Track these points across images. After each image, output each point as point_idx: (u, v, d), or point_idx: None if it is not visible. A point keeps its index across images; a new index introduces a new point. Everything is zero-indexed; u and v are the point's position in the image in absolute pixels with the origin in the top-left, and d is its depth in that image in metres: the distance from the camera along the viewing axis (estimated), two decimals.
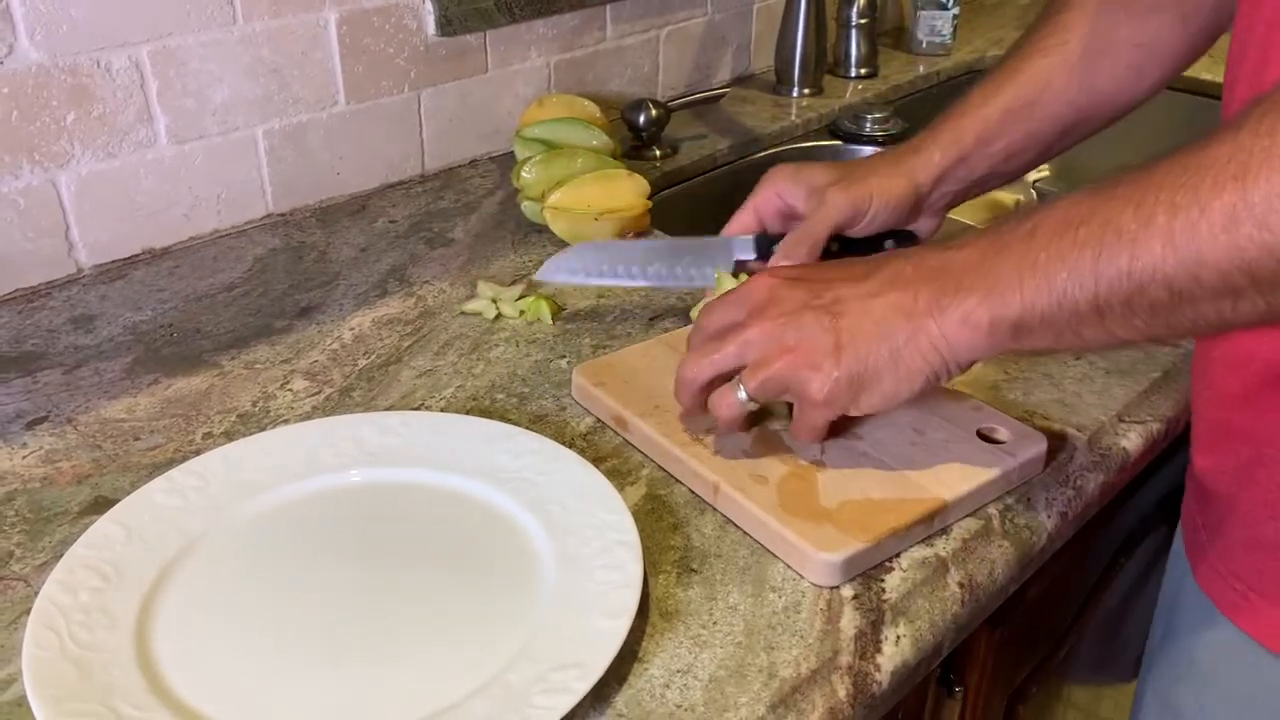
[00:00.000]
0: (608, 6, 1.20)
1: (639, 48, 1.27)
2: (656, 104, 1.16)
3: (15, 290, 0.88)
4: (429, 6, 1.04)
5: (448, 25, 1.05)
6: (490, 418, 0.70)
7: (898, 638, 0.56)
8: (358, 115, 1.04)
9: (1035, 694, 0.88)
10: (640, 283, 0.81)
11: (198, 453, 0.68)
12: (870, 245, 0.79)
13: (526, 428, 0.68)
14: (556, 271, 0.81)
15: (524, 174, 0.98)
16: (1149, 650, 0.72)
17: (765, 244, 0.79)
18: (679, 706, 0.51)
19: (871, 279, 0.57)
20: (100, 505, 0.64)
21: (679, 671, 0.53)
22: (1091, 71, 0.75)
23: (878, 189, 0.76)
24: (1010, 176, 0.81)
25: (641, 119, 1.15)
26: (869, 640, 0.56)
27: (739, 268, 0.80)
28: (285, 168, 1.01)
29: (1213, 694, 0.63)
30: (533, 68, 1.16)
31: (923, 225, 0.81)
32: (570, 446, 0.66)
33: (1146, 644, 0.73)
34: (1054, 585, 0.79)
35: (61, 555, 0.58)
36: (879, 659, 0.55)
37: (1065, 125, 0.77)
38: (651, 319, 0.85)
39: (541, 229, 0.99)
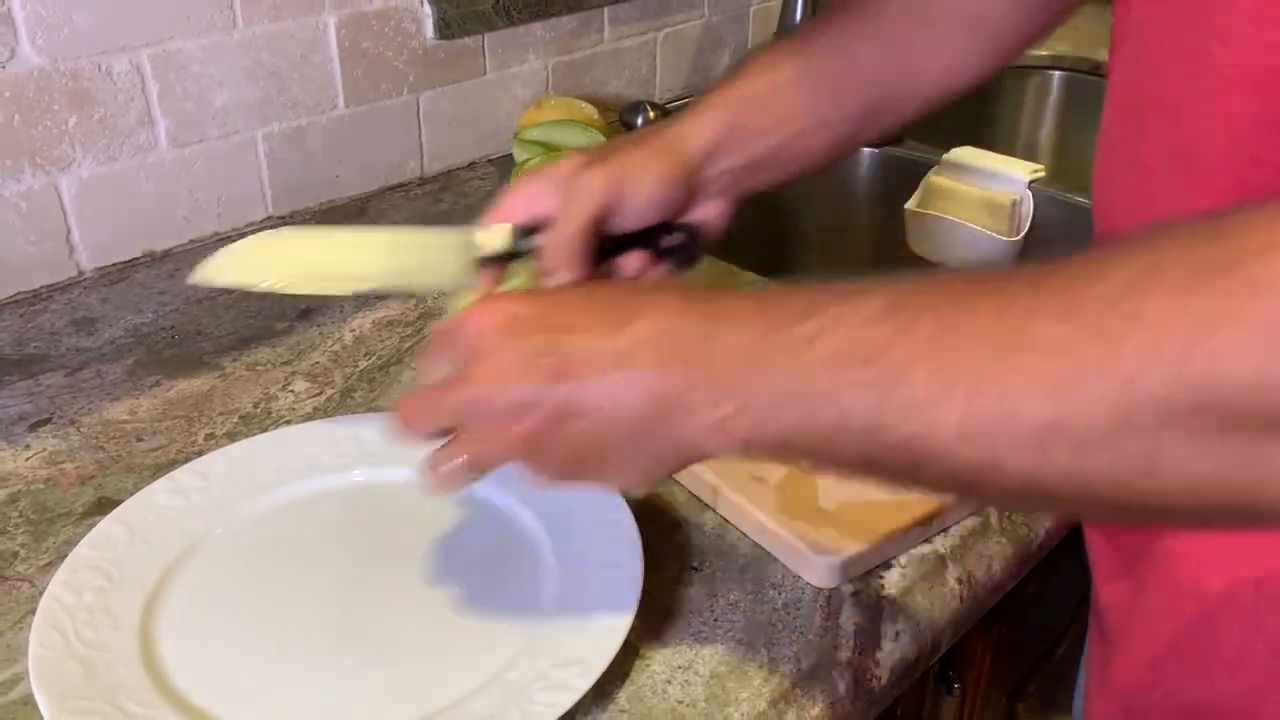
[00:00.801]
0: (605, 9, 1.21)
1: (636, 50, 1.27)
2: (654, 106, 1.16)
3: (17, 293, 0.88)
4: (427, 10, 1.05)
5: (446, 28, 1.06)
6: None
7: (897, 633, 0.57)
8: (357, 118, 1.04)
9: (1034, 692, 0.89)
10: (354, 289, 0.61)
11: (200, 454, 0.68)
12: (649, 239, 0.63)
13: None
14: (228, 270, 0.62)
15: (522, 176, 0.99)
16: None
17: (521, 235, 0.61)
18: (680, 702, 0.52)
19: (619, 336, 0.43)
20: (104, 506, 0.64)
21: (680, 667, 0.53)
22: (908, 44, 0.64)
23: (633, 165, 0.61)
24: (810, 162, 0.66)
25: (639, 121, 1.16)
26: (868, 636, 0.56)
27: (485, 272, 0.62)
28: (285, 170, 1.01)
29: None
30: (531, 70, 1.17)
31: (706, 213, 0.65)
32: None
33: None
34: (1052, 583, 0.79)
35: (65, 556, 0.59)
36: (878, 655, 0.56)
37: (871, 102, 0.65)
38: None
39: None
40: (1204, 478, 0.32)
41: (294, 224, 1.01)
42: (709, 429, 0.42)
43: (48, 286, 0.89)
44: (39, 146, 0.86)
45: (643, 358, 0.43)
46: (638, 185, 0.61)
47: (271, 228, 1.00)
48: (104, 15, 0.85)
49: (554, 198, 0.61)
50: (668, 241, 0.64)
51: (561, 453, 0.44)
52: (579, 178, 0.60)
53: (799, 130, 0.63)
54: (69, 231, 0.89)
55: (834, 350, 0.39)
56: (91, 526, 0.61)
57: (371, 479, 0.65)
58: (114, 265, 0.93)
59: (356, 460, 0.66)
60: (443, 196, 1.08)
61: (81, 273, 0.91)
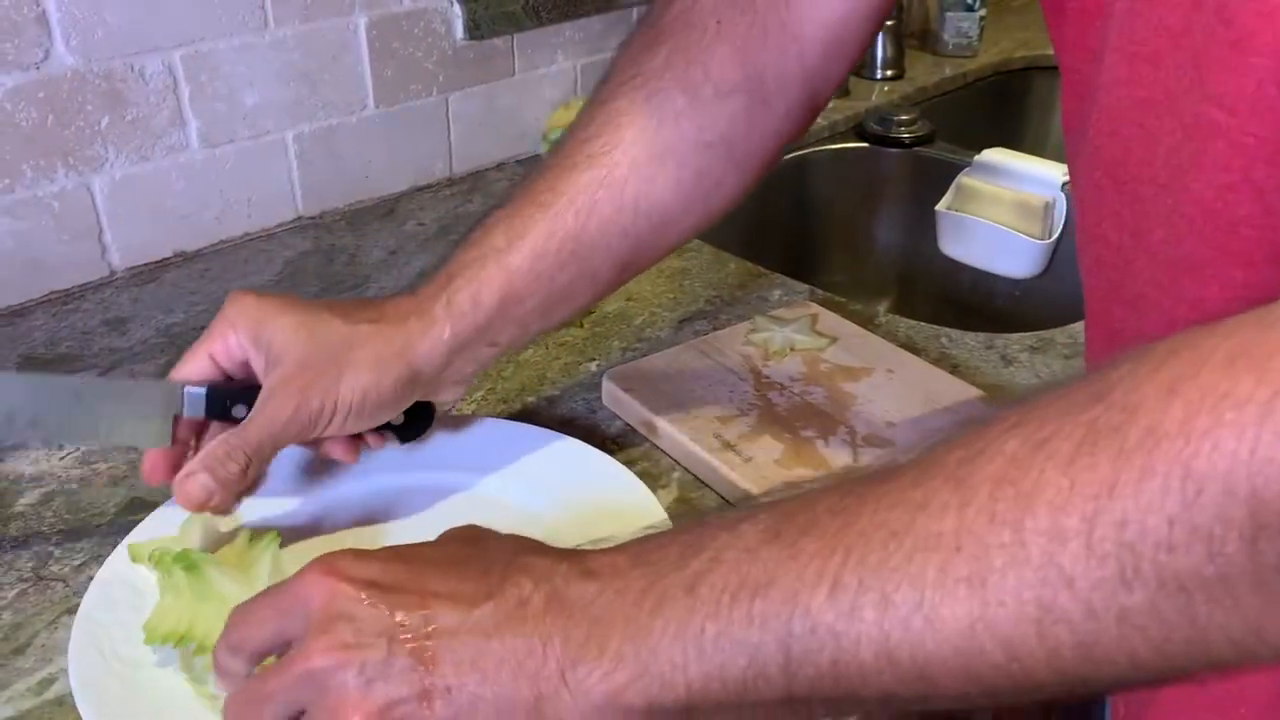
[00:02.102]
0: (634, 9, 1.20)
1: None
2: None
3: (50, 292, 0.89)
4: (457, 10, 1.04)
5: (476, 29, 1.06)
6: (520, 420, 0.70)
7: None
8: (387, 119, 1.04)
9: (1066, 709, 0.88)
10: (18, 439, 0.56)
11: None
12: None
13: (556, 430, 0.68)
14: None
15: None
16: None
17: (221, 400, 0.57)
18: None
19: (485, 604, 0.39)
20: (136, 507, 0.64)
21: None
22: (648, 187, 0.58)
23: (349, 391, 0.55)
24: (554, 327, 0.63)
25: None
26: None
27: (180, 430, 0.58)
28: (315, 171, 1.01)
29: None
30: (559, 71, 1.16)
31: (441, 397, 0.61)
32: (601, 450, 0.66)
33: None
34: None
35: (99, 556, 0.59)
36: None
37: (621, 260, 0.60)
38: (681, 322, 0.85)
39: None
40: (1147, 643, 0.30)
41: (323, 224, 1.01)
42: (601, 702, 0.37)
43: (80, 286, 0.90)
44: (72, 147, 0.86)
45: (519, 629, 0.38)
46: (346, 417, 0.56)
47: (300, 228, 1.01)
48: (137, 16, 0.86)
49: (261, 367, 0.56)
50: (395, 420, 0.61)
51: None
52: (275, 396, 0.54)
53: (544, 312, 0.59)
54: (101, 231, 0.90)
55: (721, 590, 0.35)
56: (125, 527, 0.61)
57: (400, 483, 0.65)
58: (145, 265, 0.93)
59: (385, 465, 0.66)
60: (471, 197, 1.08)
61: (113, 272, 0.92)
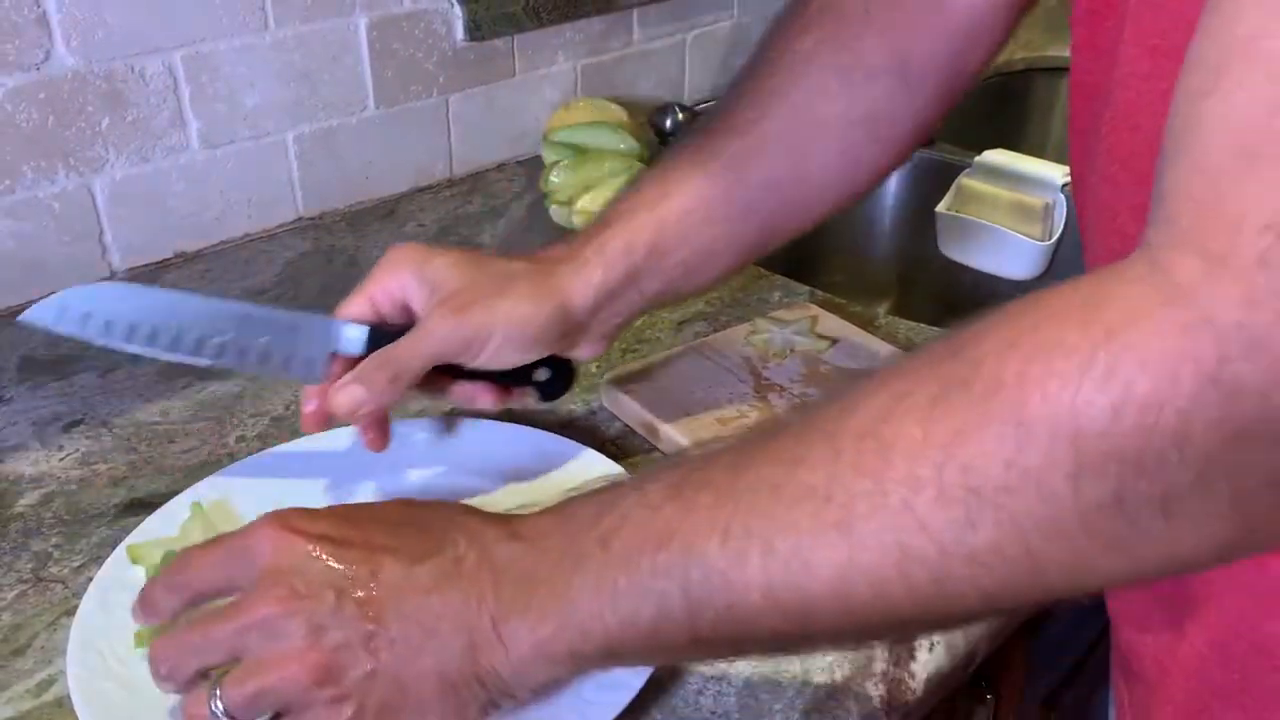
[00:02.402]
0: (634, 10, 1.20)
1: (666, 51, 1.27)
2: (684, 108, 1.16)
3: (50, 293, 0.88)
4: (458, 11, 1.04)
5: (476, 30, 1.06)
6: (521, 422, 0.70)
7: (932, 644, 0.56)
8: (387, 119, 1.04)
9: (1069, 702, 0.88)
10: (183, 358, 0.58)
11: (231, 456, 0.69)
12: (517, 375, 0.61)
13: (557, 432, 0.68)
14: (60, 318, 0.58)
15: (552, 178, 0.98)
16: None
17: (380, 341, 0.58)
18: (713, 713, 0.51)
19: (425, 562, 0.42)
20: (136, 508, 0.64)
21: (713, 678, 0.53)
22: (796, 159, 0.60)
23: (506, 320, 0.56)
24: (700, 290, 0.65)
25: (669, 123, 1.15)
26: (903, 648, 0.55)
27: (334, 367, 0.59)
28: (315, 172, 1.01)
29: None
30: (560, 72, 1.16)
31: (582, 351, 0.62)
32: (600, 451, 0.66)
33: None
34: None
35: (99, 558, 0.59)
36: (913, 666, 0.55)
37: (766, 226, 0.61)
38: (680, 323, 0.85)
39: (569, 233, 0.99)
40: (993, 579, 0.33)
41: (323, 225, 1.02)
42: (529, 652, 0.41)
43: None
44: (72, 148, 0.86)
45: (455, 584, 0.41)
46: (500, 344, 0.57)
47: (301, 229, 1.01)
48: (137, 17, 0.86)
49: (421, 304, 0.58)
50: (540, 375, 0.62)
51: (363, 687, 0.40)
52: (434, 315, 0.56)
53: (687, 270, 0.60)
54: (102, 232, 0.90)
55: (630, 545, 0.39)
56: (124, 528, 0.61)
57: (397, 486, 0.65)
58: (146, 266, 0.93)
59: (382, 467, 0.66)
60: (471, 198, 1.08)
61: (114, 273, 0.92)
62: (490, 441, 0.67)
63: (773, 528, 0.36)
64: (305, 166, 1.00)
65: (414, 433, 0.68)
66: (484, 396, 0.61)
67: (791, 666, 0.53)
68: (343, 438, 0.68)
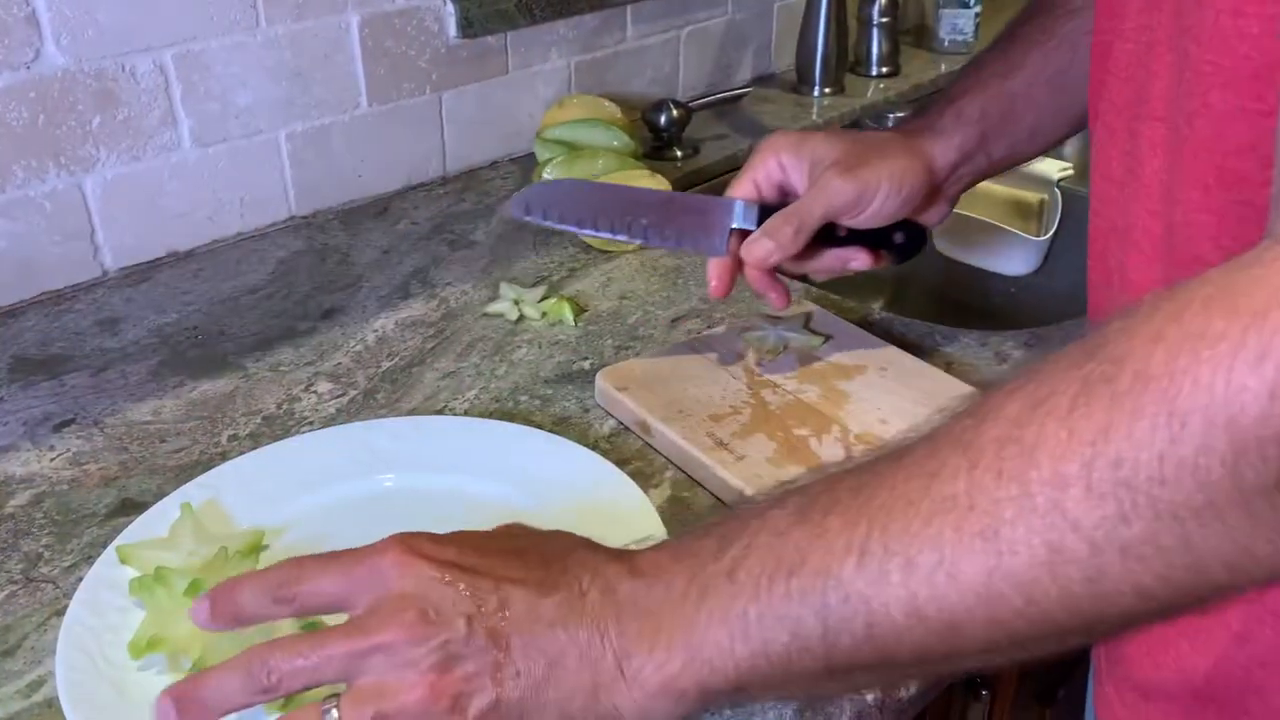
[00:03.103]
0: (628, 7, 1.20)
1: (659, 48, 1.26)
2: (677, 104, 1.16)
3: (42, 293, 0.88)
4: (450, 8, 1.04)
5: (469, 27, 1.05)
6: (514, 420, 0.70)
7: None
8: (380, 117, 1.04)
9: (1062, 697, 0.88)
10: (621, 237, 0.70)
11: (223, 455, 0.68)
12: (877, 237, 0.70)
13: (550, 430, 0.68)
14: (529, 209, 0.70)
15: (545, 175, 0.98)
16: None
17: (766, 215, 0.68)
18: (706, 711, 0.51)
19: (551, 594, 0.41)
20: (127, 508, 0.64)
21: None
22: None
23: (889, 175, 0.66)
24: (1030, 156, 0.73)
25: (662, 119, 1.15)
26: None
27: (731, 241, 0.69)
28: (308, 170, 1.01)
29: None
30: (553, 69, 1.16)
31: (932, 215, 0.71)
32: (593, 449, 0.66)
33: None
34: None
35: (90, 558, 0.59)
36: None
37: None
38: (674, 320, 0.84)
39: (562, 230, 0.98)
40: (1149, 573, 0.33)
41: (316, 224, 1.01)
42: (656, 691, 0.40)
43: (72, 286, 0.90)
44: (63, 146, 0.86)
45: (579, 620, 0.40)
46: (885, 198, 0.66)
47: (294, 227, 1.00)
48: (128, 16, 0.85)
49: (803, 176, 0.68)
50: (898, 238, 0.71)
51: (486, 717, 0.40)
52: (828, 174, 0.66)
53: (1032, 134, 0.69)
54: (93, 231, 0.90)
55: (759, 573, 0.38)
56: (115, 529, 0.60)
57: (393, 486, 0.65)
58: (138, 265, 0.93)
59: (374, 466, 0.65)
60: (465, 196, 1.08)
61: (105, 273, 0.91)
62: (480, 440, 0.67)
63: (912, 543, 0.35)
64: (298, 165, 1.00)
65: (404, 432, 0.68)
66: (859, 257, 0.70)
67: None
68: (333, 437, 0.68)
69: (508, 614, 0.41)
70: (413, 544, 0.42)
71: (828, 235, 0.68)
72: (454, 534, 0.44)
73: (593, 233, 0.71)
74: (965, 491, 0.34)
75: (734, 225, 0.69)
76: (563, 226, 0.70)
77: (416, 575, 0.41)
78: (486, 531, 0.46)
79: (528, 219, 0.70)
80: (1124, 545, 0.32)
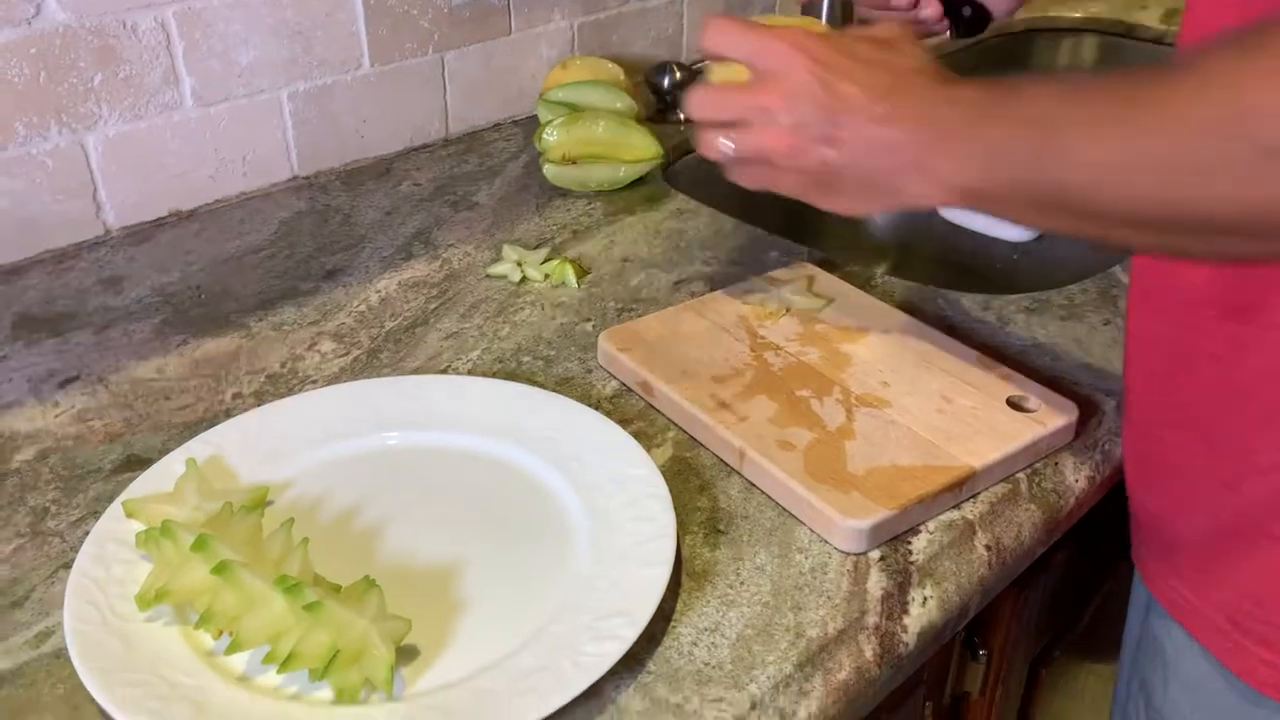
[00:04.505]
0: None
1: (663, 9, 1.25)
2: (681, 66, 1.15)
3: (44, 251, 0.88)
4: None
5: None
6: (516, 380, 0.70)
7: (924, 599, 0.56)
8: (382, 78, 1.03)
9: (1058, 658, 0.89)
10: None
11: (228, 413, 0.69)
12: (949, 6, 0.81)
13: (552, 390, 0.68)
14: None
15: (547, 137, 0.98)
16: (1129, 626, 0.70)
17: None
18: (707, 664, 0.52)
19: (883, 101, 0.55)
20: (132, 464, 0.64)
21: (707, 630, 0.53)
22: None
23: None
24: None
25: (666, 81, 1.14)
26: (895, 602, 0.56)
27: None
28: (310, 130, 1.00)
29: (1176, 683, 0.62)
30: (556, 30, 1.15)
31: (1001, 2, 0.83)
32: (596, 409, 0.66)
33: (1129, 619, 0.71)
34: (1080, 549, 0.79)
35: (96, 512, 0.59)
36: (905, 620, 0.55)
37: None
38: (676, 283, 0.84)
39: (565, 192, 0.98)
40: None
41: (318, 184, 1.01)
42: (935, 184, 0.54)
43: (75, 245, 0.90)
44: (65, 104, 0.85)
45: (898, 125, 0.54)
46: None
47: (296, 188, 1.00)
48: None
49: None
50: (966, 11, 0.82)
51: (811, 170, 0.57)
52: None
53: None
54: (95, 190, 0.89)
55: (1016, 123, 0.51)
56: (120, 484, 0.61)
57: (397, 443, 0.65)
58: (140, 224, 0.93)
59: (381, 424, 0.66)
60: (467, 158, 1.07)
61: (108, 231, 0.91)
62: (484, 400, 0.67)
63: (1122, 123, 0.45)
64: (300, 125, 1.00)
65: (408, 390, 0.68)
66: (932, 5, 0.81)
67: (784, 619, 0.54)
68: (337, 394, 0.68)
69: (848, 106, 0.55)
70: (798, 40, 0.58)
71: None
72: (827, 38, 0.59)
73: None
74: (1171, 97, 0.44)
75: None
76: None
77: (798, 65, 0.57)
78: (852, 41, 0.59)
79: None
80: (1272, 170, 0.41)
